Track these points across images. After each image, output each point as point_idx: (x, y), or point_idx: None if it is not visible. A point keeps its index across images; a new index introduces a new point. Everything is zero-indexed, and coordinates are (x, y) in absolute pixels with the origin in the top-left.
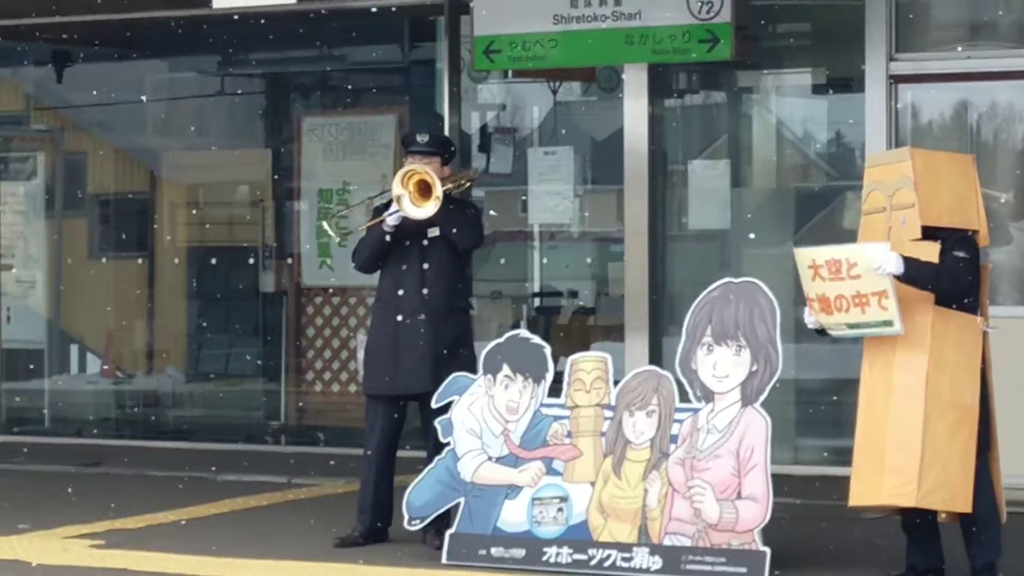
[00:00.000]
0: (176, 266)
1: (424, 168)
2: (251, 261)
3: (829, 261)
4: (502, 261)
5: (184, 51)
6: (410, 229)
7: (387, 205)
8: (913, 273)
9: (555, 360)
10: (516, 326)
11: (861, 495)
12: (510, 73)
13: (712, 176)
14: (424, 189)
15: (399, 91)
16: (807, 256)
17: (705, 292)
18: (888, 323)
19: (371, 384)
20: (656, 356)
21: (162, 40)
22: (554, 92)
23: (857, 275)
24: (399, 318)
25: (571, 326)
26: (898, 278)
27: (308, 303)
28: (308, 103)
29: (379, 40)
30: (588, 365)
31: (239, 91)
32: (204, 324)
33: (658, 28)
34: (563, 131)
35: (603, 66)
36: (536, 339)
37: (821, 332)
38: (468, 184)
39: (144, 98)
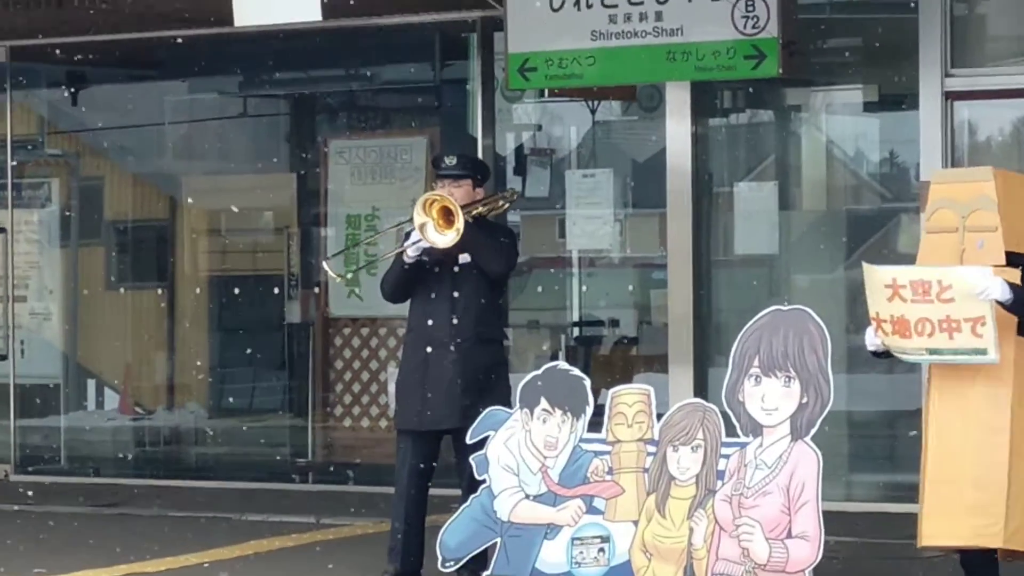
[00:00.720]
0: (197, 296)
1: (444, 194)
2: (276, 291)
3: (915, 282)
4: (539, 289)
5: (205, 71)
6: (439, 256)
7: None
8: (1019, 300)
9: (595, 393)
10: (554, 357)
11: (936, 535)
12: (546, 92)
13: (759, 198)
14: (448, 215)
15: (430, 112)
16: (885, 274)
17: (752, 320)
18: (981, 351)
19: (402, 418)
20: (701, 388)
21: (182, 60)
22: (593, 112)
23: (950, 298)
24: (428, 349)
25: (612, 357)
26: (1001, 305)
27: (336, 334)
28: (335, 125)
29: (409, 58)
30: (630, 398)
31: (262, 112)
32: (227, 357)
33: (701, 44)
34: (602, 152)
35: (644, 84)
36: (575, 371)
37: (882, 355)
38: (506, 206)
39: (164, 121)
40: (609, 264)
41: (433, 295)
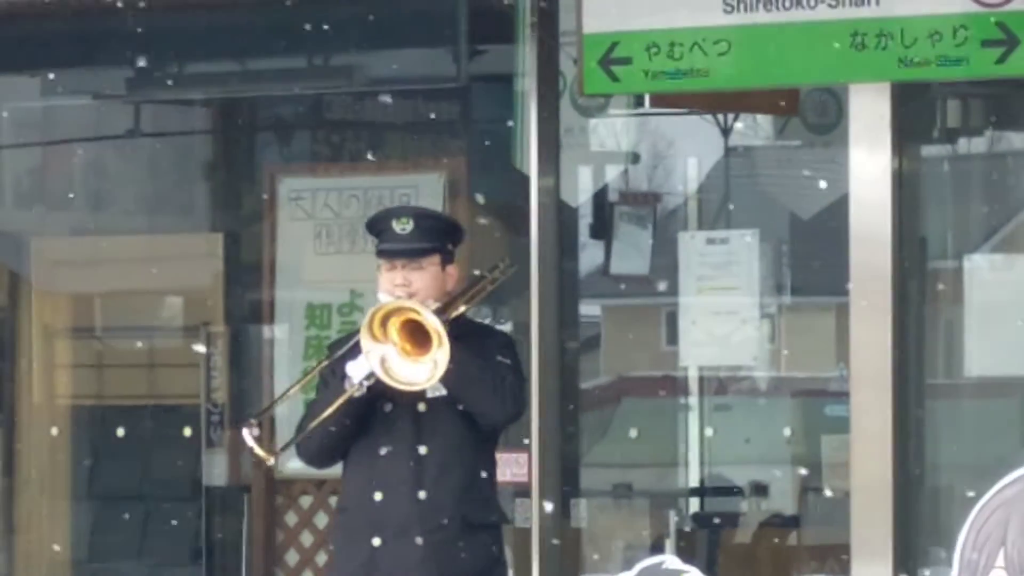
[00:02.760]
0: (54, 441)
1: (405, 300)
2: (188, 432)
3: None
4: (632, 432)
5: (72, 60)
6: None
7: (349, 345)
8: None
9: None
10: (658, 548)
11: None
12: (647, 100)
13: (1007, 282)
14: (419, 332)
15: (450, 131)
16: None
17: (994, 490)
18: None
19: None
20: None
21: (33, 41)
22: (725, 133)
23: None
24: (375, 542)
25: (756, 548)
26: None
27: (288, 506)
28: (289, 152)
29: (416, 41)
30: None
31: (166, 130)
32: (104, 543)
33: (909, 21)
34: (741, 202)
35: (812, 88)
36: (692, 573)
37: None
38: (491, 288)
39: None
40: (752, 391)
41: (384, 451)
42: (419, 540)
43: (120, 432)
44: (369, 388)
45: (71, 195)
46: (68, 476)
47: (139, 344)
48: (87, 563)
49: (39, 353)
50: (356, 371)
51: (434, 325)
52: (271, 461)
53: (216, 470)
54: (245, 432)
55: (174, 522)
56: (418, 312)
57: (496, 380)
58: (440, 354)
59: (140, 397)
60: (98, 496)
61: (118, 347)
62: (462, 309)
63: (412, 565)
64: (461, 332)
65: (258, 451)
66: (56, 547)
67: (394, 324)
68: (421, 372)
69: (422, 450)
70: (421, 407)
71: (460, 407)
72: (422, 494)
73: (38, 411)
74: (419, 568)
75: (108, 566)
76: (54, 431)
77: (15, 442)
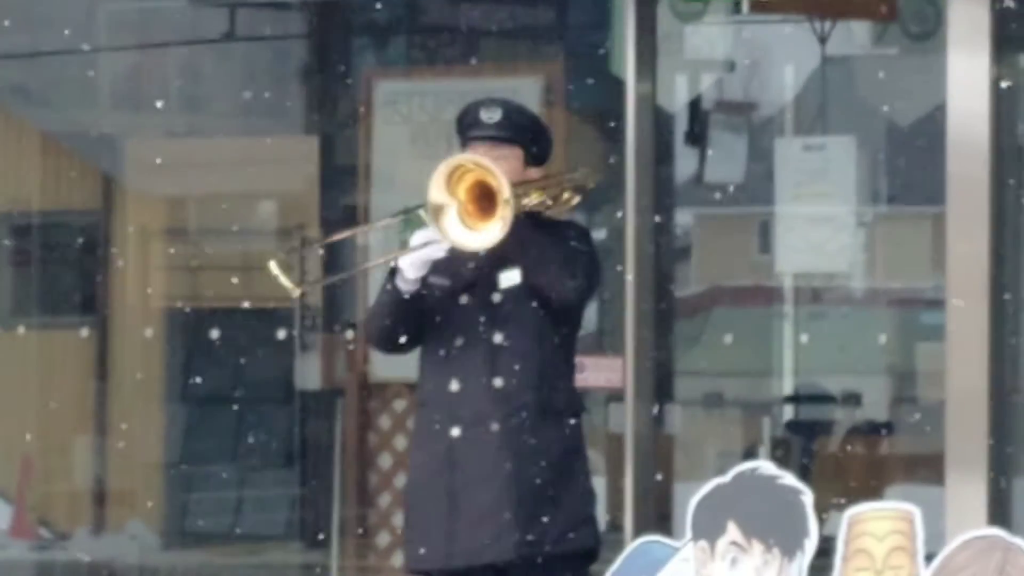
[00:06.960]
0: (147, 343)
1: (480, 160)
2: (281, 336)
3: None
4: (726, 339)
5: None
6: (466, 277)
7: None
8: None
9: (821, 516)
10: (752, 455)
11: None
12: (744, 6)
13: None
14: (485, 198)
15: (547, 36)
16: None
17: None
18: None
19: (415, 553)
20: (1002, 509)
21: None
22: (822, 41)
23: None
24: (455, 433)
25: (849, 456)
26: None
27: (381, 410)
28: (384, 55)
29: None
30: (880, 525)
31: (260, 34)
32: (196, 447)
33: None
34: (837, 110)
35: None
36: (787, 479)
37: None
38: (573, 201)
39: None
40: (846, 299)
41: (459, 341)
42: (495, 427)
43: (214, 335)
44: (441, 270)
45: (167, 98)
46: (162, 379)
47: (234, 247)
48: (180, 466)
49: (133, 256)
50: (419, 235)
51: (502, 185)
52: (296, 293)
53: (309, 373)
54: (272, 263)
55: (267, 425)
56: (488, 169)
57: (567, 254)
58: (504, 212)
59: (234, 300)
60: (191, 399)
61: (212, 250)
62: (536, 200)
63: (489, 453)
64: (536, 221)
65: (283, 280)
66: (148, 455)
67: (463, 181)
68: (480, 237)
69: (497, 339)
70: (496, 298)
71: (533, 291)
72: (498, 382)
73: (132, 314)
74: (496, 455)
75: (201, 469)
76: (148, 333)
77: (109, 344)
